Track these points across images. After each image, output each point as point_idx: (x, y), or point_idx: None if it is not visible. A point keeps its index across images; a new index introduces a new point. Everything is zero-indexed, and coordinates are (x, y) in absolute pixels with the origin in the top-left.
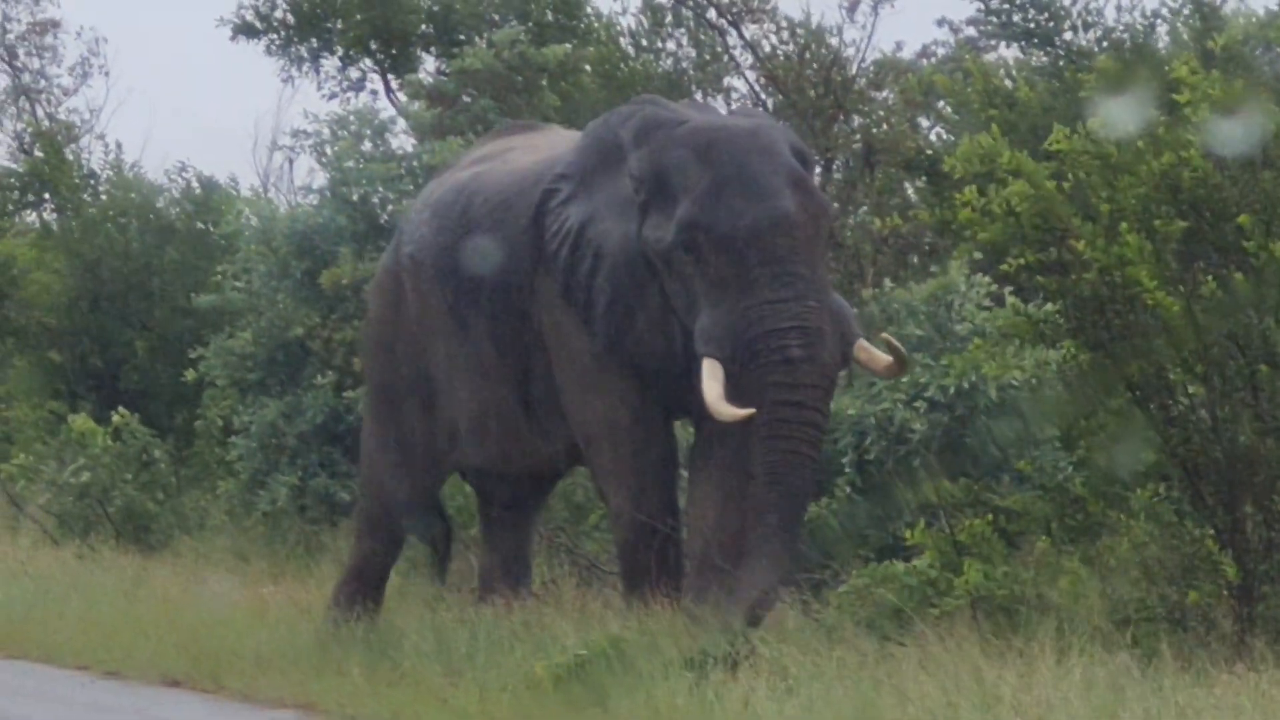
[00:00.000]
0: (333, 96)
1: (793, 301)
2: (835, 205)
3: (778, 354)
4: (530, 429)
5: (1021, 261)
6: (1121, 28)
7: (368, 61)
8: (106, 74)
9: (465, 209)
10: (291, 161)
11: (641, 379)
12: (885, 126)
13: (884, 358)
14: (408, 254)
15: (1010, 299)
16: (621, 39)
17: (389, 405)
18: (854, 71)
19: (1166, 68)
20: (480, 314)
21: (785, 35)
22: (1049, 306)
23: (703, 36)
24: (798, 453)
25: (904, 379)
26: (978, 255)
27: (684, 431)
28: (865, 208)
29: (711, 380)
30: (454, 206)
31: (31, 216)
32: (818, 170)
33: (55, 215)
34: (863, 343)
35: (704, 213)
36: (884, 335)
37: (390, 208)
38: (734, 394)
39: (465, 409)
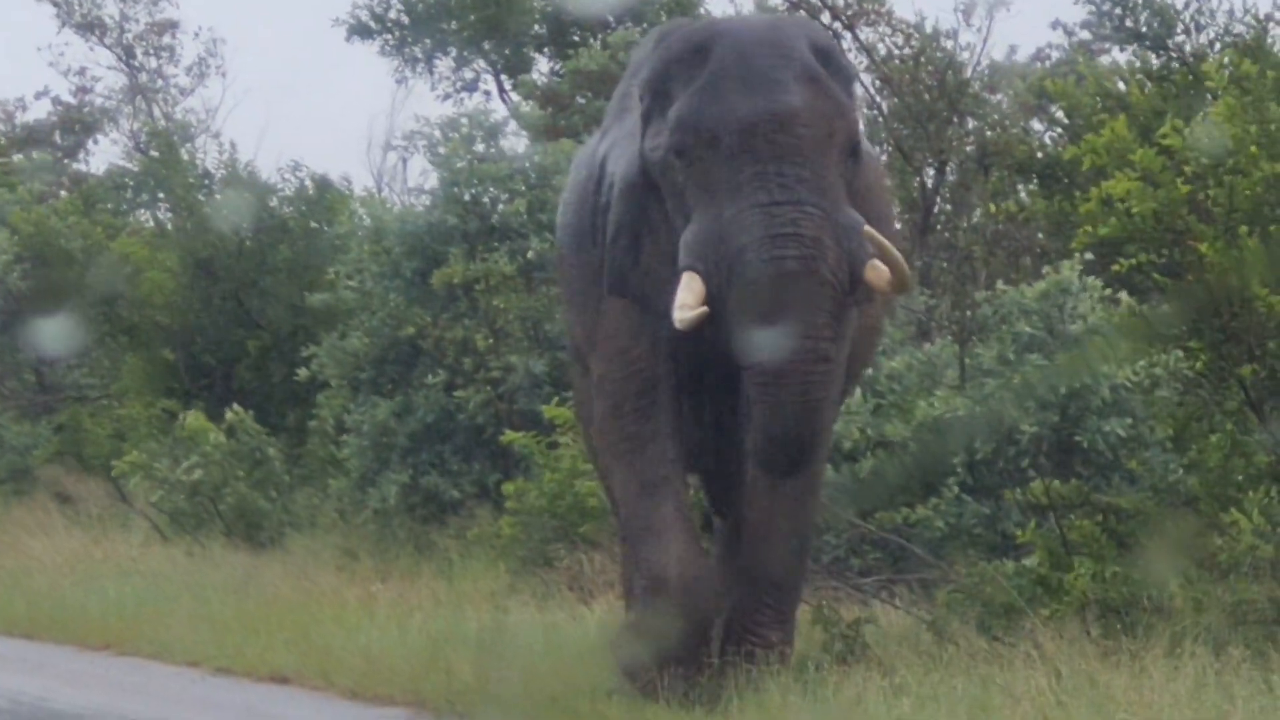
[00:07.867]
0: (446, 97)
1: (789, 206)
2: (857, 109)
3: (770, 266)
4: None
5: (1134, 262)
6: (1233, 31)
7: (481, 62)
8: (223, 74)
9: (572, 184)
10: (405, 161)
11: (650, 330)
12: (999, 130)
13: (888, 274)
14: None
15: (1125, 299)
16: None
17: None
18: (969, 74)
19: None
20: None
21: (900, 39)
22: (1165, 308)
23: None
24: (803, 397)
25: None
26: (1089, 256)
27: None
28: (979, 209)
29: (684, 290)
30: (569, 181)
31: (145, 215)
32: (931, 171)
33: (170, 214)
34: (874, 262)
35: (695, 110)
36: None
37: (501, 208)
38: (715, 318)
39: None
